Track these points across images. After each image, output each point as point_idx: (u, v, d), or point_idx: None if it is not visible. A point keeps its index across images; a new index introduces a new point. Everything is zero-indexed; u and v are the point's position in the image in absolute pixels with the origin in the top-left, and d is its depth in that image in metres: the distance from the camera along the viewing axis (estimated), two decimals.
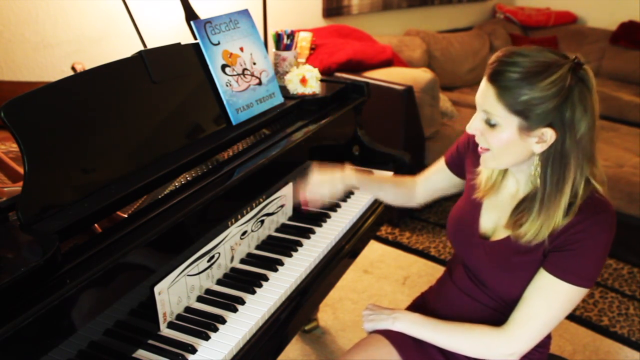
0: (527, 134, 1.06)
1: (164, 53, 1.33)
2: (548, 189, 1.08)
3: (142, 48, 1.54)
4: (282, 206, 1.47)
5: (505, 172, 1.21)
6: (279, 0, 3.06)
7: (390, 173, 1.81)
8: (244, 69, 1.52)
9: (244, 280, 1.27)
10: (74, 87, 1.12)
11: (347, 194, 1.66)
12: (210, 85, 1.43)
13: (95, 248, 0.97)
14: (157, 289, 1.07)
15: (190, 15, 1.66)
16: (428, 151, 2.97)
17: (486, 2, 4.66)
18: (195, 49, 1.42)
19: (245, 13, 1.58)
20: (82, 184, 1.07)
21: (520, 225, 1.12)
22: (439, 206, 3.19)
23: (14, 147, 1.37)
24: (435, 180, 1.43)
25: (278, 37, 1.84)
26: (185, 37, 1.53)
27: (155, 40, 1.62)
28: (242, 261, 1.35)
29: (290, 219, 1.53)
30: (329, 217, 1.54)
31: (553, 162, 1.07)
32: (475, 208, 1.25)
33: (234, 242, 1.30)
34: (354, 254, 1.55)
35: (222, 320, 1.14)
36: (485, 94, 1.07)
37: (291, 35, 1.84)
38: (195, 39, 1.43)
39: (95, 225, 1.04)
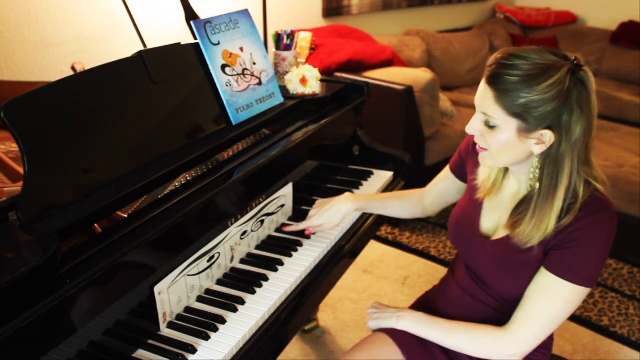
0: (526, 135, 1.06)
1: (164, 53, 1.33)
2: (543, 191, 1.08)
3: (142, 48, 1.54)
4: (282, 206, 1.47)
5: (506, 171, 1.21)
6: (279, 0, 3.06)
7: (390, 173, 1.81)
8: (244, 69, 1.52)
9: (244, 280, 1.27)
10: (74, 87, 1.12)
11: None
12: (210, 85, 1.43)
13: (95, 248, 0.97)
14: (157, 289, 1.07)
15: (190, 15, 1.66)
16: (428, 151, 2.97)
17: (486, 2, 4.65)
18: (195, 49, 1.42)
19: (245, 13, 1.58)
20: (82, 184, 1.07)
21: (517, 226, 1.12)
22: None
23: (14, 147, 1.37)
24: (442, 188, 1.43)
25: (278, 37, 1.84)
26: (185, 37, 1.53)
27: (155, 40, 1.62)
28: (242, 261, 1.35)
29: (290, 219, 1.53)
30: None
31: (549, 164, 1.07)
32: (476, 208, 1.25)
33: (234, 242, 1.30)
34: (354, 254, 1.55)
35: (222, 320, 1.14)
36: (484, 96, 1.07)
37: (291, 35, 1.84)
38: (195, 39, 1.43)
39: (95, 225, 1.04)
